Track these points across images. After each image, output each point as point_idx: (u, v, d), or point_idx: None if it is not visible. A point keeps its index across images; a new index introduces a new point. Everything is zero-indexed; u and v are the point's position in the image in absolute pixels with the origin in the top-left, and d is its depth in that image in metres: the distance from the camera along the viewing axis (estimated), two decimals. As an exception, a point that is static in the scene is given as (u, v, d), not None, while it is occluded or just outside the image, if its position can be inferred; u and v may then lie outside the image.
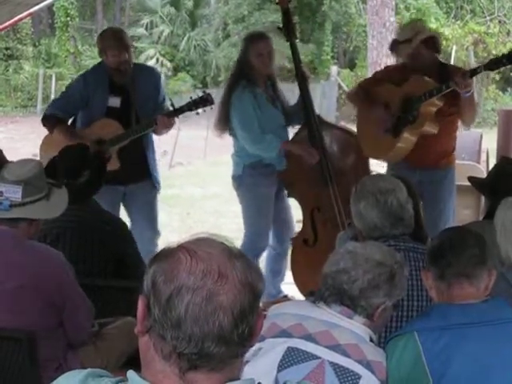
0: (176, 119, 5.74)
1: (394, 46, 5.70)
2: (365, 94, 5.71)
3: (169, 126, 5.71)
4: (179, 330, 1.60)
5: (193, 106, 5.63)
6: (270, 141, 5.79)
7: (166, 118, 5.62)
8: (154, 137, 6.07)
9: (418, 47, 5.46)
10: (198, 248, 1.65)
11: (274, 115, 5.92)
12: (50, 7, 29.88)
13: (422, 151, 5.44)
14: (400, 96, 5.46)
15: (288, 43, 5.99)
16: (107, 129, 5.72)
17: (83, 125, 5.87)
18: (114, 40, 5.76)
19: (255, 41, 5.89)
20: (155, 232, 6.08)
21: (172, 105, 5.78)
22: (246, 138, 5.83)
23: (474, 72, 5.13)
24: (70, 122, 5.99)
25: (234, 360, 1.65)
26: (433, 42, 5.49)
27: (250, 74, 5.83)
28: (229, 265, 1.63)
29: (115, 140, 5.67)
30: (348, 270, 2.79)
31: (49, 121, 5.90)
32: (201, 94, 5.68)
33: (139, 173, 5.91)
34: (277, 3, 6.06)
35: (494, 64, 5.05)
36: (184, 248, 1.65)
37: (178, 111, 5.67)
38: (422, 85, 5.36)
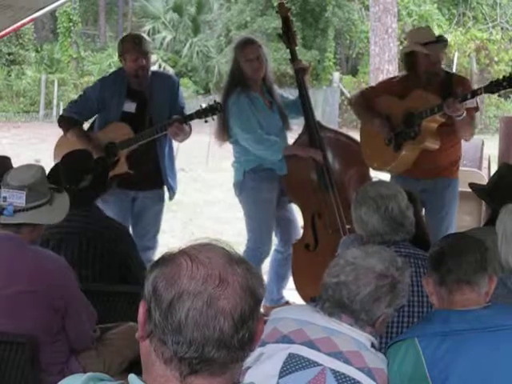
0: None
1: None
2: (367, 104, 5.72)
3: (180, 132, 5.73)
4: (180, 334, 1.60)
5: (202, 113, 5.66)
6: (273, 141, 5.80)
7: (176, 124, 5.65)
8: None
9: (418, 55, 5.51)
10: (199, 253, 1.65)
11: (272, 118, 5.92)
12: (52, 13, 29.93)
13: (426, 164, 5.46)
14: (402, 110, 5.48)
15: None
16: (118, 132, 5.78)
17: (99, 128, 5.93)
18: (133, 44, 5.83)
19: (242, 47, 5.88)
20: (155, 242, 6.11)
21: (182, 112, 5.84)
22: (248, 138, 5.83)
23: (474, 93, 5.12)
24: (89, 124, 6.08)
25: (234, 364, 1.65)
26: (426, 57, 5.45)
27: (243, 81, 5.84)
28: (230, 270, 1.64)
29: (124, 143, 5.72)
30: (348, 283, 2.76)
31: (65, 122, 5.97)
32: (211, 103, 5.70)
33: (151, 180, 5.95)
34: (276, 12, 6.08)
35: (495, 86, 5.03)
36: (185, 253, 1.66)
37: (188, 118, 5.72)
38: (423, 100, 5.38)
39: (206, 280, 1.61)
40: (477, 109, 5.60)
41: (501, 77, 5.08)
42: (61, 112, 6.26)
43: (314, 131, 5.87)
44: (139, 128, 5.76)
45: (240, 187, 6.04)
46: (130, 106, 5.86)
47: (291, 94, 6.59)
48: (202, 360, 1.61)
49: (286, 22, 5.98)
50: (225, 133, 5.95)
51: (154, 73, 6.08)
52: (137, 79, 5.82)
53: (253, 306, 1.64)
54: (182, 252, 1.67)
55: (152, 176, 5.94)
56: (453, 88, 5.38)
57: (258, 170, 5.92)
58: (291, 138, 6.10)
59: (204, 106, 5.70)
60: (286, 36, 5.96)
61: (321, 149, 5.85)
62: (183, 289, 1.61)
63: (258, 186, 5.93)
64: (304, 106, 5.93)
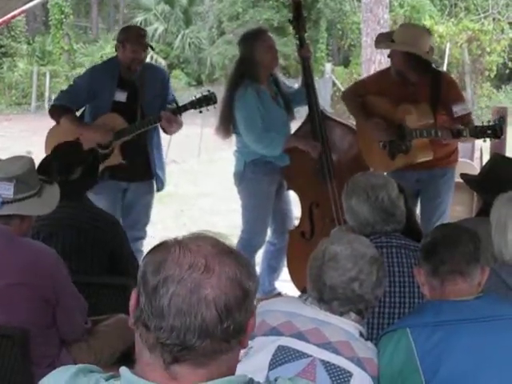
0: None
1: (379, 38, 5.77)
2: (360, 105, 5.69)
3: (174, 123, 5.69)
4: (162, 320, 1.60)
5: (197, 104, 5.64)
6: (272, 138, 5.77)
7: (170, 114, 5.62)
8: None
9: (394, 54, 5.49)
10: (190, 241, 1.66)
11: (277, 113, 5.90)
12: (44, 4, 29.87)
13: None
14: (394, 119, 5.47)
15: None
16: (112, 123, 5.72)
17: (90, 118, 5.88)
18: (137, 36, 5.81)
19: (262, 36, 5.89)
20: (144, 233, 6.11)
21: (176, 102, 5.78)
22: (249, 137, 5.80)
23: (458, 133, 5.12)
24: (78, 114, 6.00)
25: (218, 355, 1.64)
26: (408, 59, 5.41)
27: (254, 72, 5.80)
28: (217, 259, 1.64)
29: (118, 134, 5.69)
30: (356, 278, 2.77)
31: (56, 111, 5.87)
32: (205, 93, 5.67)
33: (142, 171, 5.93)
34: None
35: (479, 132, 5.07)
36: (177, 241, 1.67)
37: (182, 109, 5.68)
38: (412, 119, 5.37)
39: (191, 267, 1.61)
40: (470, 113, 5.61)
41: (485, 123, 5.09)
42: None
43: (316, 121, 5.85)
44: (130, 118, 5.73)
45: (240, 177, 6.02)
46: (121, 96, 5.81)
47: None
48: (183, 348, 1.60)
49: (298, 9, 5.96)
50: (229, 126, 5.91)
51: (145, 64, 6.02)
52: (129, 70, 5.79)
53: (240, 297, 1.63)
54: (175, 240, 1.68)
55: (143, 167, 5.92)
56: (442, 90, 5.39)
57: (258, 163, 5.91)
58: (293, 127, 6.07)
59: (198, 96, 5.67)
60: (297, 22, 5.94)
61: (322, 139, 5.84)
62: (168, 274, 1.61)
63: (258, 178, 5.92)
64: (309, 94, 5.90)
